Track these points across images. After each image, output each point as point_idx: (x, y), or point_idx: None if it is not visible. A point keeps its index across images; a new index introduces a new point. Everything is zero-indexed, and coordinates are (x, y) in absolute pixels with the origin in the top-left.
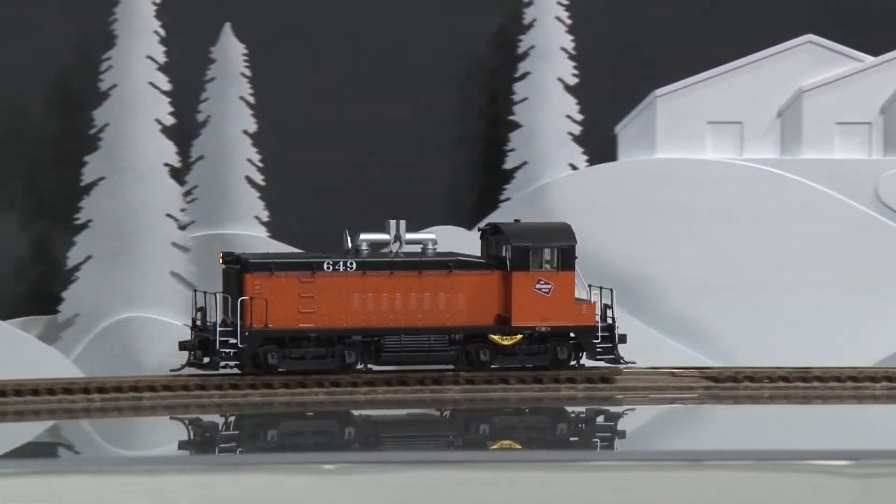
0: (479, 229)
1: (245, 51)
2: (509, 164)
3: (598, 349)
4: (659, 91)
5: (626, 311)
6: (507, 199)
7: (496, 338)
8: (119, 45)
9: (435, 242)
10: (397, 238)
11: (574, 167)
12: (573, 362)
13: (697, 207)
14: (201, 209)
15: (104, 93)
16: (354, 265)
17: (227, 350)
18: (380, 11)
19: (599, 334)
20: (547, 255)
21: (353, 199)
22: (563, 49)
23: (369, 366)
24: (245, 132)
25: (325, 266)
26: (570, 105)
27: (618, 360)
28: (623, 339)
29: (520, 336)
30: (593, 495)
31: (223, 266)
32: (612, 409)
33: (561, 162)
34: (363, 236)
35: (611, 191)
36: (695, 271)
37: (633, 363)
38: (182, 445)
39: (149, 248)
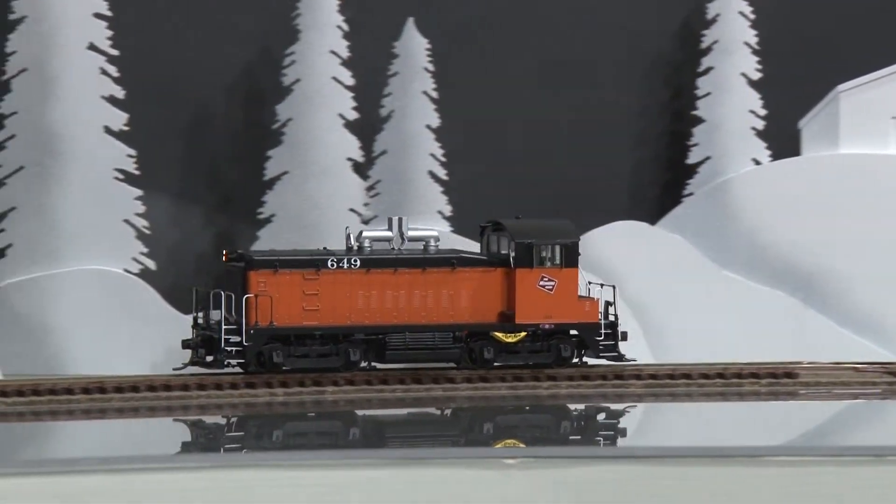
0: (480, 227)
1: (428, 45)
2: (692, 159)
3: (601, 346)
4: (842, 86)
5: (813, 307)
6: (690, 194)
7: (500, 335)
8: (302, 39)
9: (437, 239)
10: (400, 235)
11: (757, 162)
12: (575, 360)
13: (881, 202)
14: (384, 204)
15: (287, 87)
16: (358, 262)
17: (232, 348)
18: (563, 7)
19: (603, 331)
20: (551, 251)
21: (536, 194)
22: (747, 44)
23: (373, 364)
24: (428, 127)
25: (329, 263)
26: (754, 100)
27: (620, 357)
28: (624, 336)
29: (524, 333)
30: (773, 490)
31: (225, 263)
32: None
33: (744, 157)
34: (366, 233)
35: (794, 186)
36: (879, 266)
37: (634, 360)
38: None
39: (332, 241)
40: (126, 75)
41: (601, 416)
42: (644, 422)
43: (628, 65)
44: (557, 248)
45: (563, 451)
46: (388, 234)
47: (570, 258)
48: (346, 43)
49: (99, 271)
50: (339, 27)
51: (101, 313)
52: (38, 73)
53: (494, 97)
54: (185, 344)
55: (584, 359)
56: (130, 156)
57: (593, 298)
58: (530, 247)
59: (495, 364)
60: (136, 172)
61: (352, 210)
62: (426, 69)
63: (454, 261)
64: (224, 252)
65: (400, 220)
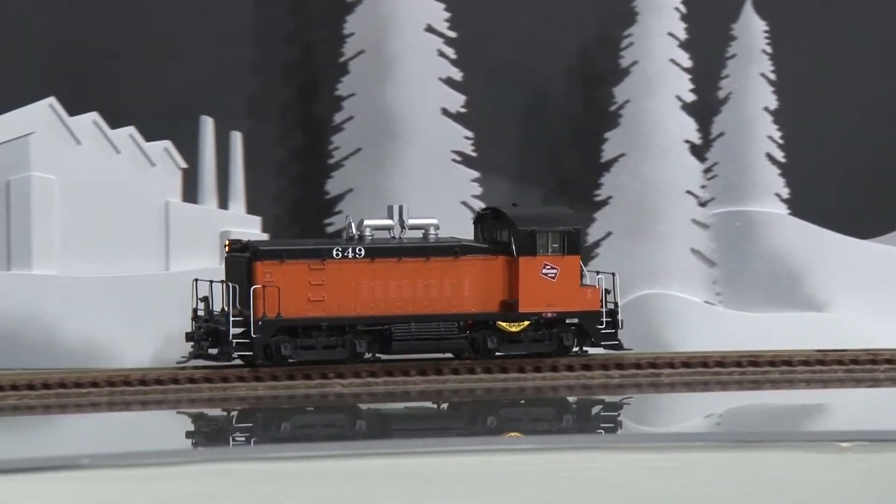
0: (477, 214)
1: (766, 28)
2: None
3: (602, 335)
4: None
5: None
6: None
7: (504, 325)
8: (640, 21)
9: (437, 227)
10: (401, 223)
11: None
12: (575, 349)
13: None
14: (721, 186)
15: (625, 69)
16: (363, 251)
17: (240, 340)
18: None
19: (604, 319)
20: (553, 238)
21: (875, 179)
22: None
23: (377, 355)
24: (766, 109)
25: (335, 253)
26: None
27: (620, 346)
28: (622, 324)
29: (527, 322)
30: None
31: (228, 254)
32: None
33: None
34: (367, 222)
35: None
36: None
37: (631, 349)
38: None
39: (669, 224)
40: (463, 57)
41: None
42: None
43: None
44: (560, 236)
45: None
46: (389, 222)
47: (573, 245)
48: (683, 25)
49: None
50: (677, 9)
51: None
52: (376, 55)
53: (832, 80)
54: (189, 337)
55: (584, 348)
56: (467, 138)
57: (594, 286)
58: (533, 234)
59: (497, 354)
60: (473, 154)
61: (689, 192)
62: (764, 51)
63: (457, 249)
64: (227, 242)
65: (400, 207)
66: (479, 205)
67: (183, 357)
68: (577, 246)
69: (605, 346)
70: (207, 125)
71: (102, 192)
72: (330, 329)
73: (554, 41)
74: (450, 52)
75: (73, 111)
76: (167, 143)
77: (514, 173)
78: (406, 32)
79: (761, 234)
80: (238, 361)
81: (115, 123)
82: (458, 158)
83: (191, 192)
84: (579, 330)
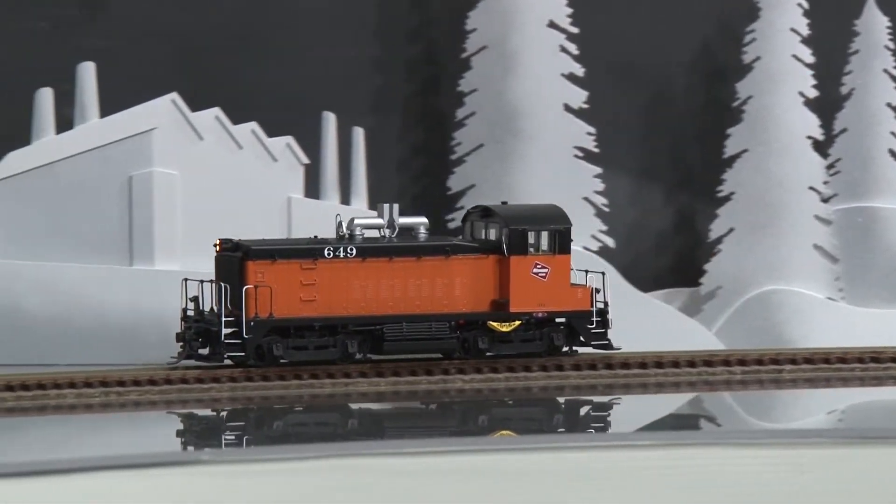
0: (467, 212)
1: (889, 23)
2: None
3: (592, 335)
4: None
5: None
6: None
7: (495, 324)
8: (763, 17)
9: (427, 227)
10: (391, 222)
11: None
12: (565, 349)
13: None
14: (844, 182)
15: (748, 65)
16: (354, 251)
17: (231, 341)
18: None
19: (594, 319)
20: (544, 237)
21: None
22: None
23: (368, 355)
24: (888, 105)
25: (326, 252)
26: None
27: (610, 345)
28: (611, 324)
29: (518, 322)
30: None
31: (218, 253)
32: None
33: None
34: (357, 221)
35: None
36: None
37: (619, 349)
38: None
39: (792, 220)
40: (585, 53)
41: None
42: None
43: None
44: (551, 234)
45: None
46: (380, 221)
47: (563, 244)
48: (806, 21)
49: None
50: (800, 5)
51: None
52: (498, 51)
53: None
54: (179, 337)
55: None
56: (590, 133)
57: (585, 286)
58: (524, 233)
59: (487, 354)
60: (596, 150)
61: (811, 188)
62: (886, 47)
63: (448, 248)
64: (218, 241)
65: (391, 206)
66: (601, 201)
67: (173, 357)
68: (567, 245)
69: (595, 346)
70: (330, 121)
71: (224, 187)
72: (321, 329)
73: (675, 36)
74: (571, 47)
75: (195, 107)
76: (289, 139)
77: (636, 169)
78: (528, 28)
79: (884, 229)
80: (227, 362)
81: (237, 119)
82: (580, 154)
83: (313, 188)
84: (569, 330)
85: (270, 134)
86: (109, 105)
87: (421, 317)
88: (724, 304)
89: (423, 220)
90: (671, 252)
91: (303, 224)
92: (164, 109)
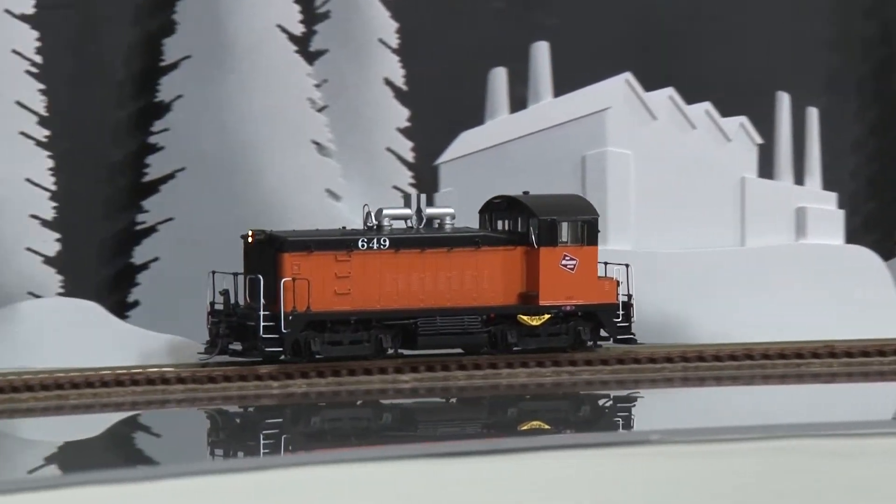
0: (487, 202)
1: None
2: None
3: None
4: None
5: None
6: None
7: (525, 318)
8: None
9: (453, 217)
10: (419, 212)
11: None
12: (589, 343)
13: None
14: None
15: None
16: (388, 242)
17: (268, 336)
18: None
19: (620, 312)
20: (573, 228)
21: None
22: None
23: (399, 350)
24: None
25: (360, 244)
26: None
27: (634, 340)
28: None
29: (548, 316)
30: None
31: (250, 244)
32: None
33: None
34: (386, 211)
35: None
36: None
37: (643, 343)
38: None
39: None
40: None
41: None
42: None
43: None
44: (580, 225)
45: None
46: (408, 211)
47: (591, 235)
48: None
49: None
50: None
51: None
52: None
53: None
54: (212, 332)
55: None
56: None
57: (611, 278)
58: (554, 224)
59: (515, 349)
60: None
61: None
62: None
63: (478, 239)
64: (250, 232)
65: (419, 196)
66: None
67: (202, 354)
68: (595, 236)
69: (619, 340)
70: (784, 101)
71: (676, 166)
72: (356, 323)
73: None
74: None
75: (648, 87)
76: (743, 119)
77: None
78: None
79: None
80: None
81: (690, 99)
82: None
83: (766, 168)
84: (596, 323)
85: (724, 114)
86: (562, 84)
87: (454, 310)
88: None
89: (450, 210)
90: None
91: (756, 204)
92: (618, 89)
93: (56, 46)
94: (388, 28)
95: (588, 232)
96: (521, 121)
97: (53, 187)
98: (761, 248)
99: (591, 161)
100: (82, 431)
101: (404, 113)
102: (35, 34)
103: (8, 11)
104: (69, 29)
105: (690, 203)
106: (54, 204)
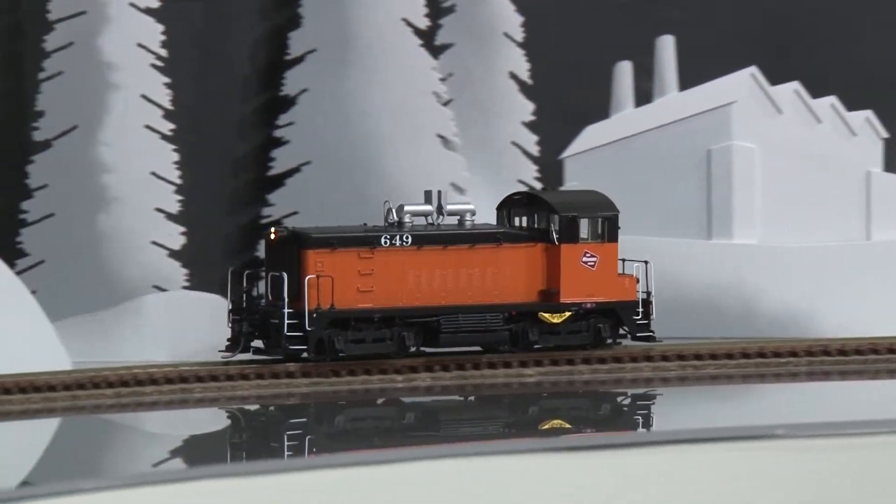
0: (505, 199)
1: None
2: None
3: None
4: None
5: None
6: None
7: (546, 316)
8: None
9: (473, 213)
10: (439, 208)
11: None
12: (609, 340)
13: None
14: None
15: None
16: (410, 239)
17: (293, 334)
18: None
19: (640, 310)
20: (594, 225)
21: None
22: None
23: (421, 348)
24: None
25: (383, 241)
26: None
27: (653, 337)
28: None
29: (568, 313)
30: None
31: (272, 240)
32: None
33: None
34: (407, 207)
35: None
36: None
37: (661, 341)
38: None
39: None
40: None
41: None
42: None
43: None
44: (600, 222)
45: None
46: (429, 208)
47: (612, 232)
48: None
49: None
50: None
51: None
52: None
53: None
54: (234, 329)
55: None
56: None
57: (631, 275)
58: (575, 220)
59: (535, 347)
60: None
61: None
62: None
63: (499, 236)
64: (272, 229)
65: (439, 192)
66: None
67: (223, 352)
68: (615, 232)
69: (639, 339)
70: None
71: (802, 160)
72: (381, 321)
73: None
74: None
75: (774, 80)
76: (868, 113)
77: None
78: None
79: None
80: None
81: (816, 93)
82: None
83: (892, 162)
84: (615, 321)
85: (850, 108)
86: (687, 78)
87: (476, 308)
88: None
89: (471, 206)
90: None
91: (883, 198)
92: (744, 83)
93: (181, 40)
94: (512, 22)
95: (608, 228)
96: (646, 115)
97: (179, 181)
98: (887, 241)
99: (716, 155)
100: (207, 425)
101: (529, 107)
102: (160, 28)
103: (133, 5)
104: (195, 22)
105: (816, 197)
106: (179, 197)
